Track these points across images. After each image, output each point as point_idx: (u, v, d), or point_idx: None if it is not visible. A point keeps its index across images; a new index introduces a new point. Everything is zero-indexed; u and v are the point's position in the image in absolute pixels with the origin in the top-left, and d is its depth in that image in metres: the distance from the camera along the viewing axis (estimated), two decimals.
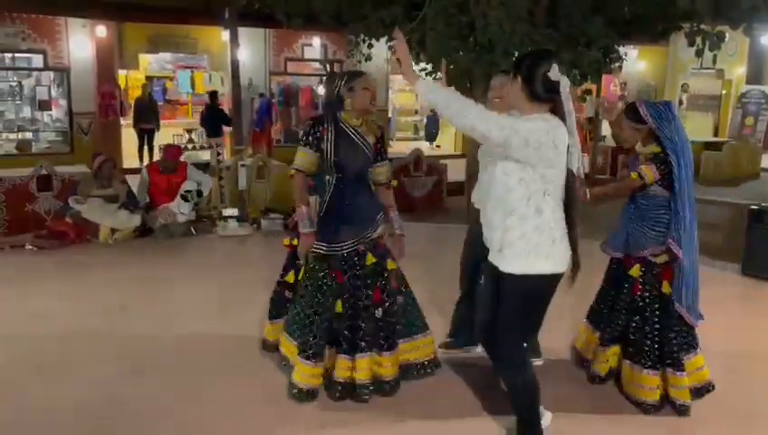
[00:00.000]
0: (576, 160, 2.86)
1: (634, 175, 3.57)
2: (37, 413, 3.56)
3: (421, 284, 5.09)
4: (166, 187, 7.91)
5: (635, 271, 3.69)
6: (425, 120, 18.53)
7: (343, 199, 3.56)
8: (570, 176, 2.85)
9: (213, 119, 12.99)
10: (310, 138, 3.56)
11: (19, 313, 5.15)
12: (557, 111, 2.81)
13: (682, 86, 18.36)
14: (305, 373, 3.56)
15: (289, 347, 3.74)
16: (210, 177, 8.45)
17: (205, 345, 4.49)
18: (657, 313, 3.64)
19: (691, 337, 3.71)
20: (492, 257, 2.95)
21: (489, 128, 2.64)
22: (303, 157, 3.57)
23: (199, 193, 8.08)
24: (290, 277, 3.96)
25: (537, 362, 3.92)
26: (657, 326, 3.63)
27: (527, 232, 2.78)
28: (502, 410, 3.43)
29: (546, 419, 3.26)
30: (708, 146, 14.68)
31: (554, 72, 2.75)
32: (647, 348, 3.63)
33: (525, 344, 3.25)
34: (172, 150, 8.34)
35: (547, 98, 2.80)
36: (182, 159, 8.35)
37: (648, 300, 3.67)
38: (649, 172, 3.52)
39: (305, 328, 3.57)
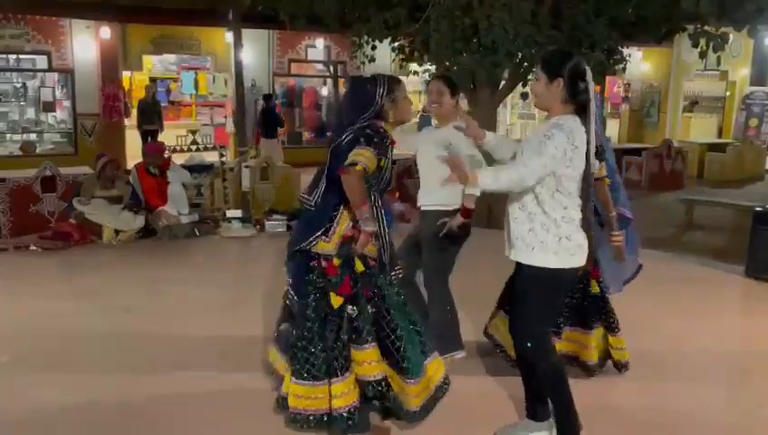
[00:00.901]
0: (592, 158, 2.95)
1: (608, 181, 3.75)
2: (38, 413, 3.56)
3: None
4: (155, 186, 7.95)
5: None
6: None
7: (386, 217, 3.32)
8: (587, 173, 2.93)
9: (268, 121, 13.07)
10: (380, 144, 3.10)
11: (23, 313, 5.16)
12: (584, 112, 2.88)
13: (693, 103, 18.44)
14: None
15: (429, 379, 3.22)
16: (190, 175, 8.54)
17: (207, 346, 4.49)
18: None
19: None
20: (506, 248, 3.09)
21: (535, 177, 2.82)
22: (370, 157, 3.05)
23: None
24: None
25: (459, 356, 4.02)
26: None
27: (535, 227, 2.93)
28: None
29: None
30: (712, 147, 14.66)
31: (589, 75, 2.88)
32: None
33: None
34: (153, 147, 8.50)
35: (580, 100, 2.87)
36: (184, 160, 8.37)
37: None
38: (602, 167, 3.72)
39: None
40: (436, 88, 3.98)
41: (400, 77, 3.53)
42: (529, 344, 3.04)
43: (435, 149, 3.86)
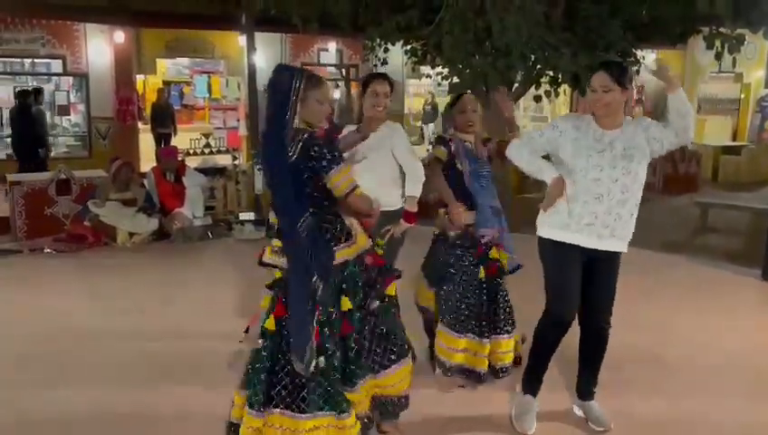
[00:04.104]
0: None
1: None
2: (49, 414, 3.58)
3: None
4: (171, 189, 7.98)
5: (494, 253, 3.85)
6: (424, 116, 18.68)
7: None
8: None
9: None
10: (337, 153, 2.98)
11: (36, 315, 5.19)
12: None
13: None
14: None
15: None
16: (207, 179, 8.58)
17: (220, 349, 4.49)
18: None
19: None
20: (600, 240, 3.19)
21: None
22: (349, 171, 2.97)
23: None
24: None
25: None
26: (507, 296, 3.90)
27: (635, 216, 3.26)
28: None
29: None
30: (727, 150, 14.52)
31: None
32: (507, 316, 3.86)
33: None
34: (167, 151, 8.55)
35: None
36: (197, 164, 8.42)
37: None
38: None
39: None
40: (384, 90, 3.74)
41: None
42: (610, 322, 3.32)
43: (373, 153, 3.71)
